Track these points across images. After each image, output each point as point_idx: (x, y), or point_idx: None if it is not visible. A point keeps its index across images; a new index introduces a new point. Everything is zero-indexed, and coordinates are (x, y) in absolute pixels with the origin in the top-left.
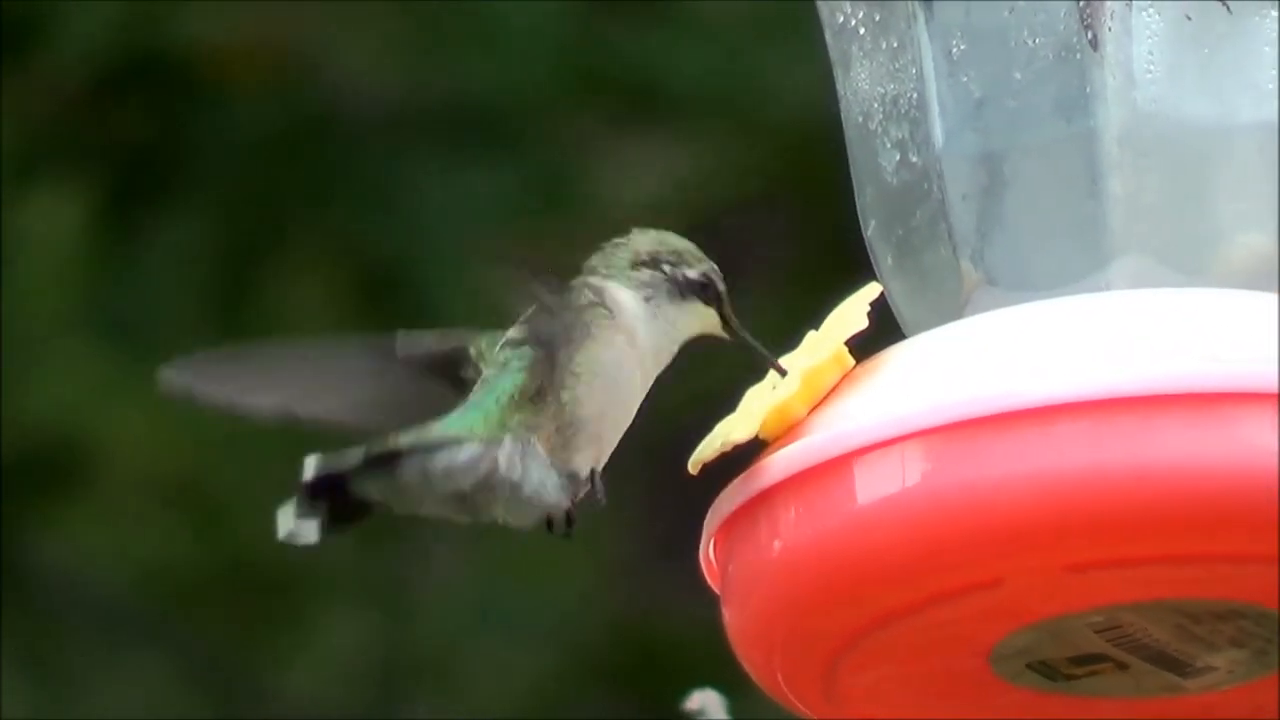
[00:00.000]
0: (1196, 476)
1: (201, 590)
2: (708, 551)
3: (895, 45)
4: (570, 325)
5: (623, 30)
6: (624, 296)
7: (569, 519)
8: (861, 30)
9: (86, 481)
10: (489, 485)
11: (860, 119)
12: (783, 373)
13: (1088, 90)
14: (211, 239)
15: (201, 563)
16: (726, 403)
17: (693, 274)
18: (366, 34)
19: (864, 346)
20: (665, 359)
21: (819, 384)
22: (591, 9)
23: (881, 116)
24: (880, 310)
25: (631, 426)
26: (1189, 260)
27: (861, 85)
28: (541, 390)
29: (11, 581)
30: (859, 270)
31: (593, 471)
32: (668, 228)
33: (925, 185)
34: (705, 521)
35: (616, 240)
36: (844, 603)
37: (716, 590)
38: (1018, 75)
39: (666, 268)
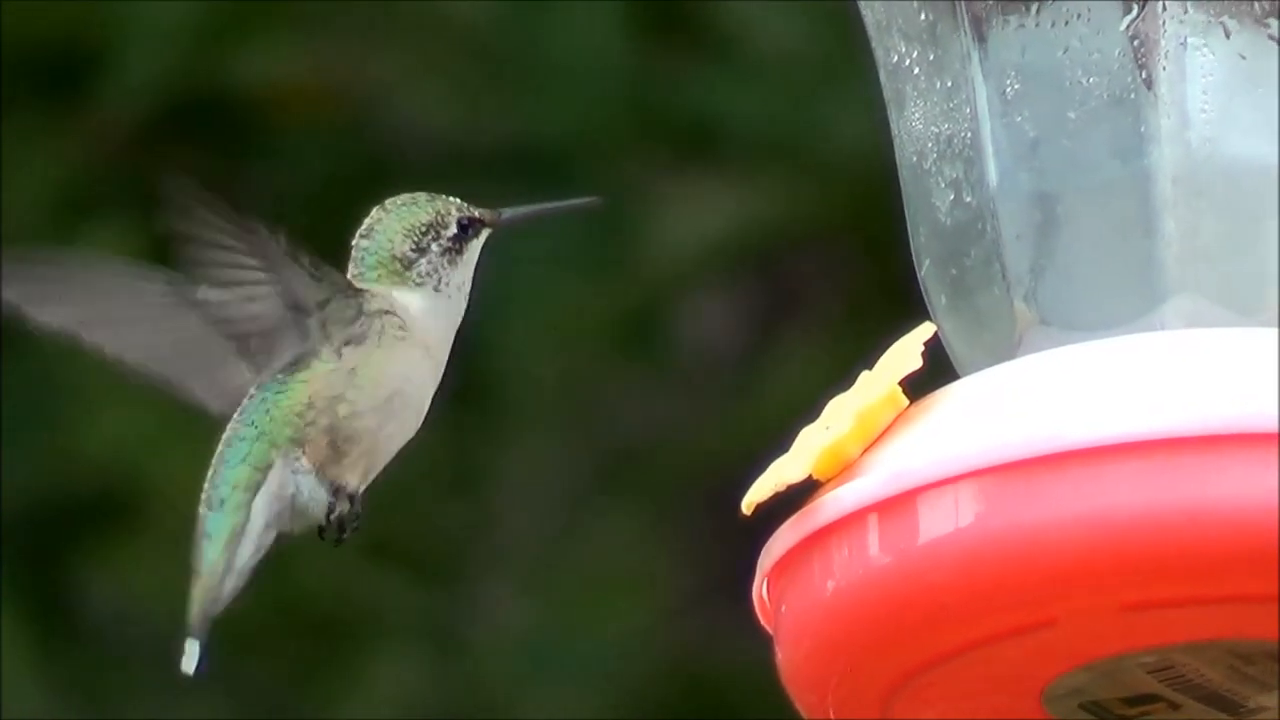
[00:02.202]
0: (1250, 517)
1: (255, 632)
2: (760, 592)
3: (949, 85)
4: (359, 330)
5: (681, 72)
6: (415, 303)
7: (341, 526)
8: (916, 70)
9: (141, 522)
10: (281, 513)
11: (914, 158)
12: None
13: (1142, 130)
14: None
15: (257, 603)
16: (780, 443)
17: (454, 230)
18: (427, 75)
19: (918, 386)
20: (462, 310)
21: (873, 424)
22: (650, 51)
23: (936, 156)
24: (934, 350)
25: (685, 470)
26: (1244, 300)
27: (916, 125)
28: (313, 401)
29: (68, 622)
30: (913, 310)
31: (354, 493)
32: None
33: (979, 225)
34: (758, 562)
35: (362, 244)
36: (898, 643)
37: (769, 631)
38: (1072, 115)
39: (434, 245)
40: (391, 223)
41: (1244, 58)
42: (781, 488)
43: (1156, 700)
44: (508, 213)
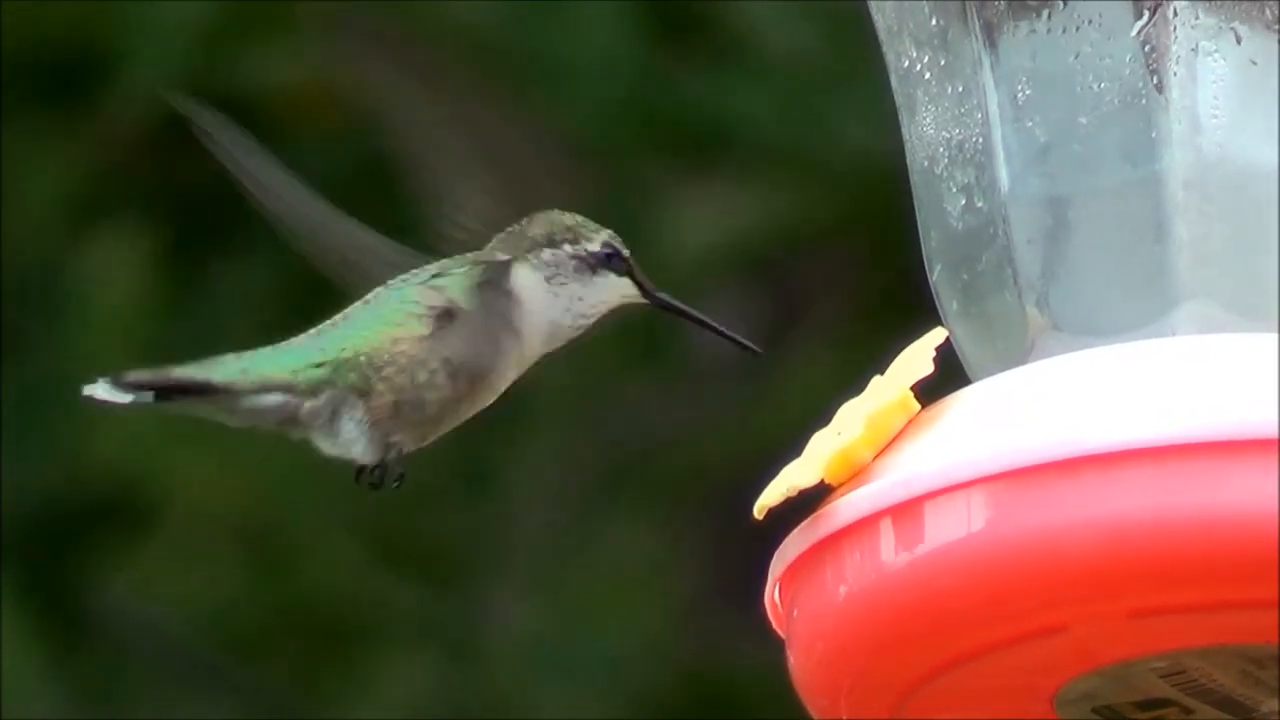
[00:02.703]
0: (1261, 522)
1: (265, 633)
2: (773, 596)
3: (960, 90)
4: (472, 307)
5: (688, 74)
6: (527, 278)
7: (382, 478)
8: (927, 75)
9: (146, 524)
10: (293, 423)
11: (926, 163)
12: (744, 344)
13: (1153, 135)
14: (275, 282)
15: (265, 605)
16: (792, 447)
17: (595, 247)
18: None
19: (929, 391)
20: (565, 336)
21: (884, 429)
22: (658, 54)
23: (947, 161)
24: (946, 355)
25: (695, 473)
26: (1255, 306)
27: (927, 130)
28: (394, 359)
29: (73, 623)
30: (924, 315)
31: (399, 452)
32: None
33: (991, 230)
34: (770, 566)
35: (510, 229)
36: (909, 648)
37: (782, 635)
38: (1083, 120)
39: (568, 246)
40: (541, 217)
41: (1255, 63)
42: (793, 493)
43: (1169, 704)
44: (661, 294)
